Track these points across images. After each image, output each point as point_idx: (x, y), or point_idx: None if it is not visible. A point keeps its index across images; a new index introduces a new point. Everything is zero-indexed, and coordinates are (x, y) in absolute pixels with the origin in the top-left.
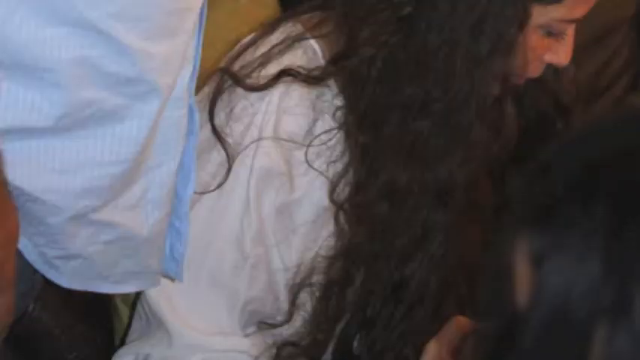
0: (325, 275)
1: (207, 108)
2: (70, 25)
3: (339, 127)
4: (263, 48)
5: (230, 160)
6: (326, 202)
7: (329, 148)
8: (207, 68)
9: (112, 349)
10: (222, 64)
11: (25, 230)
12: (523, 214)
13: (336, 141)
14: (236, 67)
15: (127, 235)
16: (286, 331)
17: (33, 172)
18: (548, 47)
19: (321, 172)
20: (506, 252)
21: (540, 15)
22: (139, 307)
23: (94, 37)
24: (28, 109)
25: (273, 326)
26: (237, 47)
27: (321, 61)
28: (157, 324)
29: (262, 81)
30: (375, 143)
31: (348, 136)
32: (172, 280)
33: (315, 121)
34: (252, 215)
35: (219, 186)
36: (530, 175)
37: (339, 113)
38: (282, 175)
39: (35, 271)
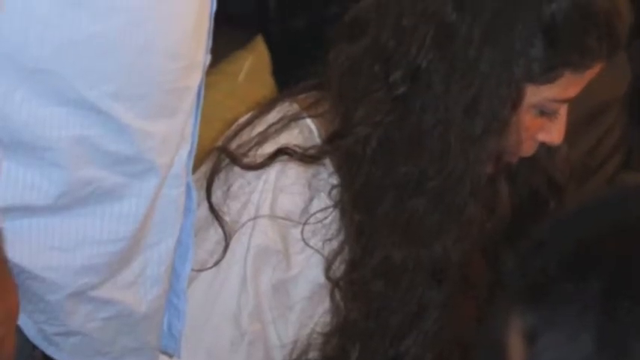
0: (321, 352)
1: (204, 186)
2: (70, 105)
3: (335, 206)
4: (260, 127)
5: (227, 237)
6: (322, 279)
7: (325, 226)
8: (205, 147)
9: None
10: (219, 143)
11: (24, 307)
12: (517, 291)
13: (331, 219)
14: (233, 145)
15: (126, 312)
16: None
17: (33, 250)
18: (542, 126)
19: (317, 250)
20: (500, 328)
21: (534, 95)
22: None
23: (93, 117)
24: (28, 187)
25: None
26: (235, 126)
27: (317, 140)
28: None
29: (259, 160)
30: (371, 221)
31: (343, 214)
32: (170, 356)
33: (311, 199)
34: (250, 292)
35: (217, 263)
36: (524, 253)
37: (334, 192)
38: (278, 253)
39: (35, 348)
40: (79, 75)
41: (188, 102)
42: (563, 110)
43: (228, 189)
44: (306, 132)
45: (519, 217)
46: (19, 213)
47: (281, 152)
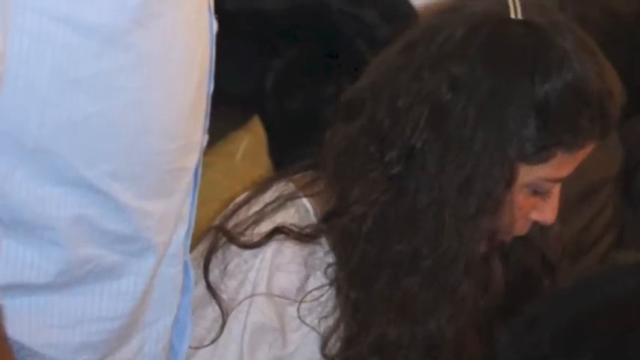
0: None
1: (202, 265)
2: (69, 184)
3: (331, 284)
4: (256, 206)
5: (224, 315)
6: (318, 356)
7: (320, 304)
8: (202, 226)
9: None
10: (216, 222)
11: None
12: None
13: (327, 297)
14: (230, 225)
15: None
16: None
17: (32, 327)
18: (535, 206)
19: (313, 328)
20: None
21: (527, 174)
22: None
23: (91, 196)
24: (27, 266)
25: None
26: (232, 206)
27: (313, 219)
28: None
29: (256, 239)
30: (366, 299)
31: (339, 292)
32: None
33: (307, 277)
34: None
35: (214, 341)
36: (518, 329)
37: (330, 270)
38: (275, 331)
39: None
40: (78, 154)
41: (185, 182)
42: (555, 189)
43: (226, 267)
44: (302, 211)
45: (513, 294)
46: (18, 291)
47: (277, 231)
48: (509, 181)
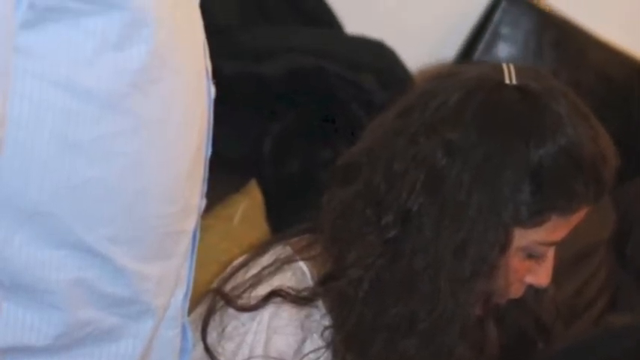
0: None
1: (200, 327)
2: (68, 248)
3: (327, 346)
4: (254, 269)
5: None
6: None
7: None
8: (201, 288)
9: None
10: (214, 285)
11: None
12: None
13: (324, 359)
14: (228, 287)
15: None
16: None
17: None
18: (529, 269)
19: None
20: None
21: (522, 238)
22: None
23: (90, 259)
24: (27, 328)
25: None
26: (229, 269)
27: (310, 283)
28: None
29: (253, 301)
30: None
31: (335, 355)
32: None
33: (303, 340)
34: None
35: None
36: None
37: (327, 333)
38: None
39: None
40: (78, 218)
41: (184, 245)
42: (550, 253)
43: (223, 330)
44: (299, 274)
45: (508, 357)
46: (18, 353)
47: (274, 294)
48: (504, 245)
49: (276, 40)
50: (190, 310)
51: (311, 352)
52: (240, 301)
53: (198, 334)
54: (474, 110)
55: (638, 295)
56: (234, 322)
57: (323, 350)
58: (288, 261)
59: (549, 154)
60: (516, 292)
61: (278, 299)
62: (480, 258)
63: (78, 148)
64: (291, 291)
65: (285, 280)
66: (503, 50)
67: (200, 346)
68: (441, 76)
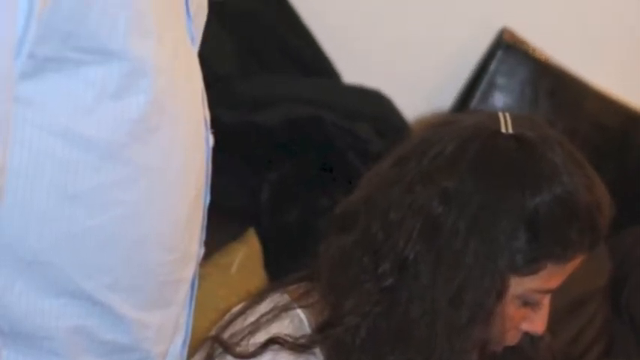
0: None
1: None
2: (68, 296)
3: None
4: (252, 317)
5: None
6: None
7: None
8: (199, 336)
9: None
10: (212, 333)
11: None
12: None
13: None
14: (226, 335)
15: None
16: None
17: None
18: (525, 316)
19: None
20: None
21: (517, 285)
22: None
23: (90, 307)
24: None
25: None
26: (227, 316)
27: (308, 330)
28: None
29: (251, 349)
30: None
31: None
32: None
33: None
34: None
35: None
36: None
37: None
38: None
39: None
40: (77, 267)
41: (183, 293)
42: (545, 300)
43: None
44: (297, 322)
45: None
46: None
47: (272, 342)
48: (500, 293)
49: (274, 89)
50: (189, 357)
51: None
52: (239, 349)
53: None
54: (470, 159)
55: (633, 344)
56: None
57: None
58: (285, 308)
59: (545, 203)
60: (512, 339)
61: (276, 346)
62: (476, 305)
63: (77, 198)
64: (288, 338)
65: (282, 327)
66: (500, 99)
67: None
68: (437, 125)
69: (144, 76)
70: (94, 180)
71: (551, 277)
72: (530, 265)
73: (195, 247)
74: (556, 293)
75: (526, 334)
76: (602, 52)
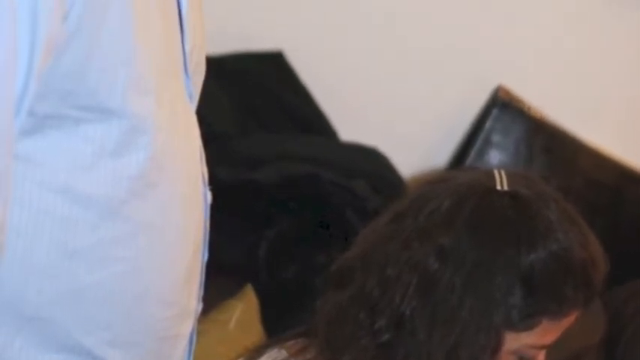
0: None
1: None
2: (67, 351)
3: None
4: None
5: None
6: None
7: None
8: None
9: None
10: None
11: None
12: None
13: None
14: None
15: None
16: None
17: None
18: None
19: None
20: None
21: (513, 341)
22: None
23: None
24: None
25: None
26: None
27: None
28: None
29: None
30: None
31: None
32: None
33: None
34: None
35: None
36: None
37: None
38: None
39: None
40: (77, 323)
41: (181, 348)
42: (541, 356)
43: None
44: None
45: None
46: None
47: None
48: (496, 348)
49: (271, 147)
50: None
51: None
52: None
53: None
54: (466, 216)
55: None
56: None
57: None
58: None
59: (540, 259)
60: None
61: None
62: None
63: (77, 254)
64: None
65: None
66: (495, 157)
67: None
68: (433, 182)
69: (143, 133)
70: (93, 236)
71: (546, 333)
72: (526, 320)
73: (193, 303)
74: (551, 349)
75: None
76: (596, 110)
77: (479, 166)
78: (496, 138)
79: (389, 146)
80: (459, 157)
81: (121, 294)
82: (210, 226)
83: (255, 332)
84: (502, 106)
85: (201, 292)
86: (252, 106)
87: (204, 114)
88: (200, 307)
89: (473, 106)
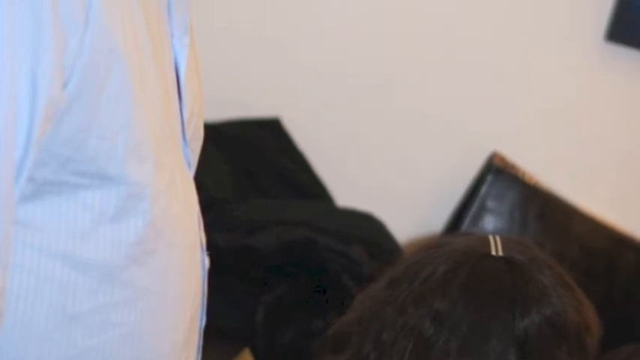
0: None
1: None
2: None
3: None
4: None
5: None
6: None
7: None
8: None
9: None
10: None
11: None
12: None
13: None
14: None
15: None
16: None
17: None
18: None
19: None
20: None
21: None
22: None
23: None
24: None
25: None
26: None
27: None
28: None
29: None
30: None
31: None
32: None
33: None
34: None
35: None
36: None
37: None
38: None
39: None
40: None
41: None
42: None
43: None
44: None
45: None
46: None
47: None
48: None
49: (268, 213)
50: None
51: None
52: None
53: None
54: (461, 281)
55: None
56: None
57: None
58: None
59: (534, 324)
60: None
61: None
62: None
63: (76, 320)
64: None
65: None
66: (490, 222)
67: None
68: (428, 247)
69: (141, 199)
70: (92, 302)
71: None
72: None
73: None
74: None
75: None
76: (591, 176)
77: (474, 231)
78: (491, 204)
79: (385, 211)
80: (455, 223)
81: (120, 358)
82: (208, 291)
83: None
84: (497, 172)
85: (200, 357)
86: (249, 172)
87: (203, 180)
88: None
89: (468, 172)
